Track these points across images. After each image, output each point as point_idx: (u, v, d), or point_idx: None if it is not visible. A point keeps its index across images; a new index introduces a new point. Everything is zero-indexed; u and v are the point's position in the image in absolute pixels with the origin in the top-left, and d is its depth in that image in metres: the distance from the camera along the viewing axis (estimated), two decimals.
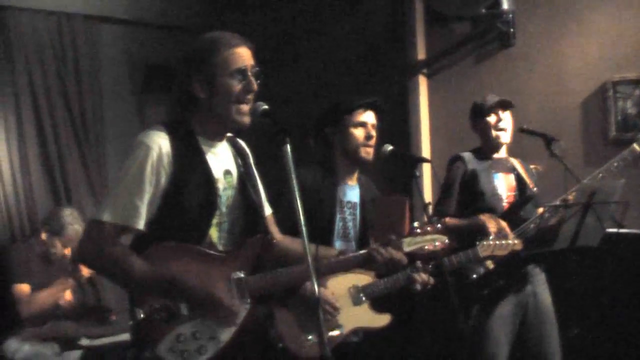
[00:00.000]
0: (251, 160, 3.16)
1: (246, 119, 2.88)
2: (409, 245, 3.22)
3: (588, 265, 4.60)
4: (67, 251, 5.19)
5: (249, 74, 2.87)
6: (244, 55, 2.88)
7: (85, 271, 5.08)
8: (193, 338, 2.77)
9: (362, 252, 3.23)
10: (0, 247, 5.52)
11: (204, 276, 2.79)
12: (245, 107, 2.87)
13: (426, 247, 3.24)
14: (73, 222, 5.20)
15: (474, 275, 4.11)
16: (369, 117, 3.88)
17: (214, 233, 2.91)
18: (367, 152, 3.85)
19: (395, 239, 3.22)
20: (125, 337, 4.55)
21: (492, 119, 4.47)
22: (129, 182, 2.75)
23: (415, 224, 3.26)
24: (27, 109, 5.99)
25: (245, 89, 2.86)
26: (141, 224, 2.75)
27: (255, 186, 3.09)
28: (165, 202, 2.79)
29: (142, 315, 2.73)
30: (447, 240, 3.26)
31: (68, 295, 5.31)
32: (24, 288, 4.93)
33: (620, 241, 4.58)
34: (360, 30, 6.79)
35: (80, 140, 6.28)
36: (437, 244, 3.25)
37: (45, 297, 4.95)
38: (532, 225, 4.26)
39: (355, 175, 3.98)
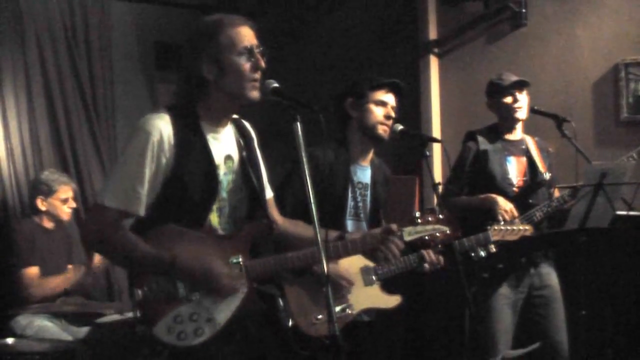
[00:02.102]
0: (255, 143, 3.16)
1: (256, 94, 2.89)
2: (409, 234, 3.26)
3: (597, 247, 4.59)
4: (70, 206, 5.22)
5: (256, 52, 2.89)
6: (248, 35, 2.91)
7: (97, 258, 5.12)
8: (190, 319, 2.80)
9: (368, 241, 3.27)
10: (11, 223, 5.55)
11: (203, 257, 2.82)
12: (255, 84, 2.89)
13: (426, 238, 3.27)
14: (57, 176, 5.22)
15: (473, 254, 4.10)
16: (390, 98, 3.90)
17: (214, 218, 2.94)
18: (385, 130, 3.85)
19: (397, 229, 3.25)
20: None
21: (509, 99, 4.45)
22: (129, 168, 2.79)
23: (417, 214, 3.29)
24: (38, 85, 5.98)
25: (253, 66, 2.88)
26: (142, 210, 2.80)
27: (257, 169, 3.11)
28: (166, 186, 2.82)
29: (140, 295, 2.76)
30: (448, 231, 3.28)
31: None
32: (33, 271, 4.92)
33: (631, 223, 4.57)
34: (372, 10, 6.76)
35: (91, 116, 6.28)
36: (437, 234, 3.27)
37: (56, 282, 4.95)
38: (538, 213, 4.27)
39: (369, 157, 3.99)
